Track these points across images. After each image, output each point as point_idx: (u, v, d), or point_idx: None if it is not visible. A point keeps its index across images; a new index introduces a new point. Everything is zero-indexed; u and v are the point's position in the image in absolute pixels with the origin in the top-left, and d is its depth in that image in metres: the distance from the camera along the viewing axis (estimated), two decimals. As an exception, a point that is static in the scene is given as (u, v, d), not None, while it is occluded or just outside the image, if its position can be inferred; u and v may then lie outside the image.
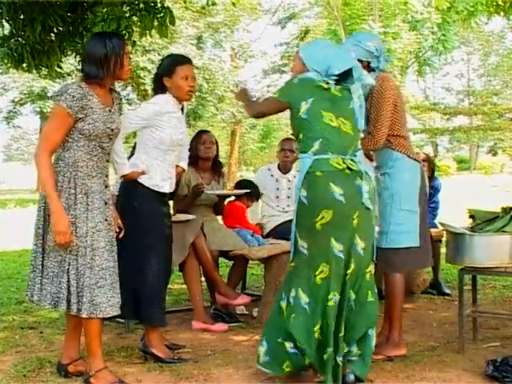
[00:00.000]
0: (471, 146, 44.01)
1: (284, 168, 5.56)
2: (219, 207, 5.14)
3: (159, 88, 3.87)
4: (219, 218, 5.24)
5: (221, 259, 5.04)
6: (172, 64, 3.87)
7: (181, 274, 4.68)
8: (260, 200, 5.57)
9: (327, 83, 3.24)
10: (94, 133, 3.30)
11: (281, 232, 5.26)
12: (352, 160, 3.22)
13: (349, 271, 3.21)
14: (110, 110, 3.39)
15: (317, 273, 3.18)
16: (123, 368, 3.63)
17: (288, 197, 5.48)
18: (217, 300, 4.69)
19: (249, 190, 5.25)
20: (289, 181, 5.52)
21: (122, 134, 3.62)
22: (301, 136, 3.28)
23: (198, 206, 4.86)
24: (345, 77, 3.27)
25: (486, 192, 18.13)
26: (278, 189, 5.50)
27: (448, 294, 5.51)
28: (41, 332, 4.52)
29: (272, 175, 5.54)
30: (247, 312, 4.92)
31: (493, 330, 4.32)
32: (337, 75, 3.24)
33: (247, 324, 4.62)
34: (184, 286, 4.72)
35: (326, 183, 3.13)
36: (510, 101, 39.68)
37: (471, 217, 4.05)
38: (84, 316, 3.27)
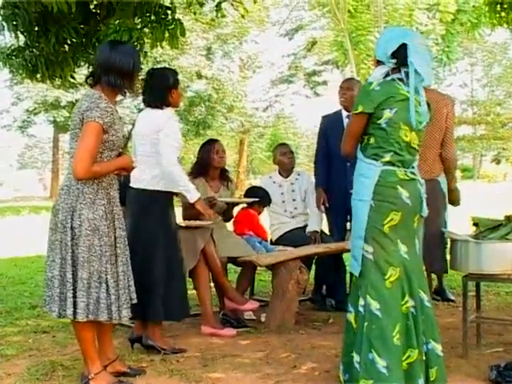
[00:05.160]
0: (475, 154, 44.01)
1: (285, 171, 5.66)
2: (228, 214, 5.21)
3: (165, 100, 4.09)
4: (227, 224, 5.31)
5: (229, 265, 5.10)
6: (176, 77, 4.19)
7: (190, 279, 4.70)
8: (267, 210, 5.64)
9: (408, 91, 3.19)
10: (117, 143, 3.38)
11: (289, 239, 5.36)
12: (411, 172, 3.28)
13: (414, 271, 3.27)
14: (119, 117, 3.46)
15: (386, 277, 3.17)
16: (135, 376, 3.64)
17: (293, 199, 5.58)
18: (225, 305, 4.74)
19: (258, 199, 5.33)
20: (291, 184, 5.62)
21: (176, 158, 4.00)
22: (372, 141, 3.23)
23: (207, 214, 4.94)
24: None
25: (490, 200, 18.06)
26: (282, 193, 5.60)
27: (452, 301, 5.56)
28: (53, 336, 4.57)
29: (274, 182, 5.65)
30: (255, 317, 4.97)
31: (496, 336, 4.34)
32: (393, 55, 3.21)
33: (255, 329, 4.67)
34: (194, 292, 4.77)
35: (395, 187, 3.20)
36: (513, 110, 39.75)
37: (475, 224, 4.09)
38: (117, 321, 3.40)
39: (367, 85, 3.25)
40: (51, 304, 3.33)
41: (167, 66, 21.69)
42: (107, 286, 3.31)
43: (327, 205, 5.39)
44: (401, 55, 3.20)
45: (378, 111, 3.18)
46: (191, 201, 4.13)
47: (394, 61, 3.22)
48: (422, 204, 3.29)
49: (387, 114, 3.18)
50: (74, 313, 3.27)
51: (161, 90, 4.06)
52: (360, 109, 3.21)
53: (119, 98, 3.64)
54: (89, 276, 3.27)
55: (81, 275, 3.26)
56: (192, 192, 4.11)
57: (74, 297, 3.27)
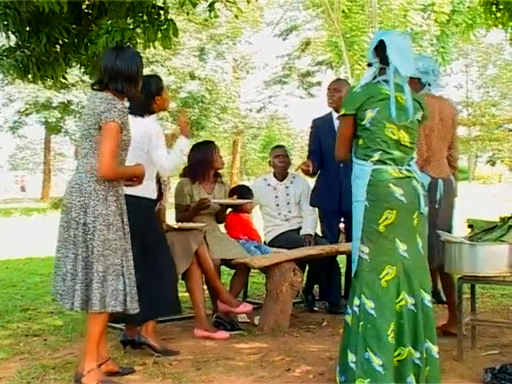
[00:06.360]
0: (470, 156, 44.19)
1: (280, 174, 5.63)
2: (221, 216, 5.19)
3: (149, 107, 4.15)
4: (221, 226, 5.28)
5: (223, 267, 5.07)
6: (160, 83, 4.27)
7: (183, 282, 4.70)
8: (261, 212, 5.64)
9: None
10: (128, 143, 3.52)
11: (283, 240, 5.33)
12: (407, 169, 3.27)
13: (414, 269, 3.24)
14: (129, 118, 3.56)
15: (381, 276, 3.17)
16: (126, 375, 3.67)
17: (288, 203, 5.55)
18: (219, 308, 4.71)
19: (251, 201, 5.33)
20: (286, 187, 5.59)
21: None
22: (360, 142, 3.28)
23: (200, 215, 4.90)
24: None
25: (485, 202, 18.11)
26: (276, 197, 5.57)
27: (447, 303, 5.53)
28: (45, 339, 4.54)
29: (269, 184, 5.61)
30: (249, 320, 4.95)
31: (491, 339, 4.33)
32: (376, 54, 3.26)
33: (249, 332, 4.64)
34: (186, 294, 4.74)
35: (387, 185, 3.20)
36: (508, 112, 39.83)
37: (470, 226, 4.08)
38: (132, 312, 3.48)
39: (351, 88, 3.39)
40: (65, 298, 3.40)
41: (160, 66, 21.81)
42: (124, 277, 3.41)
43: (311, 169, 5.21)
44: (380, 52, 3.27)
45: (360, 112, 3.25)
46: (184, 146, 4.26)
47: (378, 59, 3.28)
48: (420, 201, 3.27)
49: (369, 113, 3.23)
50: (89, 305, 3.35)
51: (144, 98, 4.04)
52: (343, 111, 3.32)
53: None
54: (104, 269, 3.35)
55: (96, 268, 3.34)
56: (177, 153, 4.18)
57: (87, 290, 3.34)
